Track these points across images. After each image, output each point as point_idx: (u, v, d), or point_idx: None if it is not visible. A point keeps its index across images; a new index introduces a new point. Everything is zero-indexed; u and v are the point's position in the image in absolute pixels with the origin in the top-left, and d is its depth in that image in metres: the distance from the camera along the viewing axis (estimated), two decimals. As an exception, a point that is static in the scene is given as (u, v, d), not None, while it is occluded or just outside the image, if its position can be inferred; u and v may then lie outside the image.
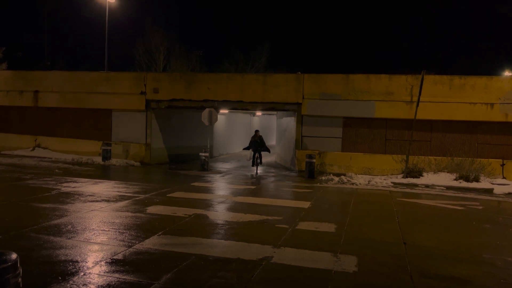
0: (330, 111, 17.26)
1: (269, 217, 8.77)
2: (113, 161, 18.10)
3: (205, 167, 16.98)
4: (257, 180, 15.37)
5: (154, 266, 5.61)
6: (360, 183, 14.60)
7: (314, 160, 15.88)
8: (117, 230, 7.28)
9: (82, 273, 5.22)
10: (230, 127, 27.86)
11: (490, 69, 60.00)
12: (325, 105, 17.28)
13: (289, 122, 19.99)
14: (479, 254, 6.89)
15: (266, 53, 45.17)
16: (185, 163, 20.08)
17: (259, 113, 29.69)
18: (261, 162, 17.25)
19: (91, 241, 6.62)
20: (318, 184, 14.28)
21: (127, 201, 9.87)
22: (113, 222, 7.84)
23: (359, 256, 6.38)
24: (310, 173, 15.76)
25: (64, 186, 11.57)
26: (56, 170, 14.97)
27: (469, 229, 8.88)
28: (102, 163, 17.85)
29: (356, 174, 16.19)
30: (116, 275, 5.23)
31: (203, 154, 17.02)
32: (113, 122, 19.59)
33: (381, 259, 6.34)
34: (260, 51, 45.07)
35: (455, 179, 14.87)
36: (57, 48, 63.84)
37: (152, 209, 9.10)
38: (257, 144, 17.01)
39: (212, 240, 7.08)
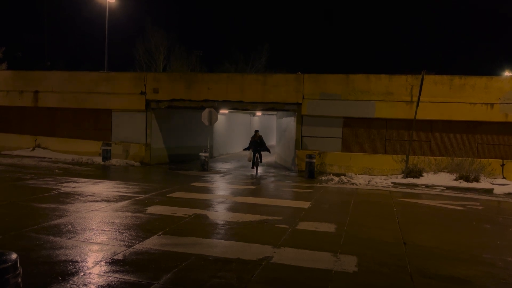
0: (330, 111, 17.26)
1: (269, 217, 8.77)
2: (113, 161, 18.10)
3: (205, 167, 16.98)
4: (257, 180, 15.37)
5: (154, 266, 5.61)
6: (360, 183, 14.60)
7: (314, 160, 15.88)
8: (117, 230, 7.28)
9: (82, 273, 5.22)
10: (230, 127, 27.86)
11: (490, 69, 60.02)
12: (325, 105, 17.28)
13: (289, 122, 19.99)
14: (479, 254, 6.89)
15: (266, 53, 45.21)
16: (185, 163, 20.08)
17: (259, 113, 29.69)
18: (261, 161, 17.25)
19: (91, 241, 6.62)
20: (318, 184, 14.28)
21: (127, 201, 9.87)
22: (113, 222, 7.84)
23: (359, 256, 6.38)
24: (310, 173, 15.76)
25: (64, 186, 11.57)
26: (56, 170, 14.97)
27: (469, 229, 8.88)
28: (102, 163, 17.85)
29: (356, 174, 16.18)
30: (116, 275, 5.23)
31: (203, 154, 17.02)
32: (113, 122, 19.59)
33: (381, 259, 6.34)
34: (260, 51, 45.10)
35: (455, 179, 14.87)
36: (57, 48, 63.88)
37: (152, 209, 9.10)
38: (257, 144, 17.01)
39: (212, 240, 7.08)
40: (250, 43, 71.14)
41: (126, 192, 11.12)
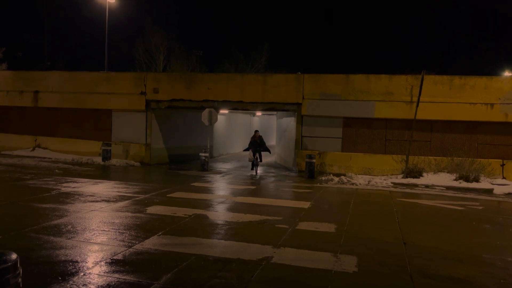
0: (330, 111, 17.26)
1: (269, 217, 8.77)
2: (113, 161, 18.10)
3: (205, 167, 16.99)
4: (257, 180, 15.37)
5: (154, 266, 5.61)
6: (360, 183, 14.60)
7: (314, 160, 15.88)
8: (117, 230, 7.28)
9: (82, 273, 5.22)
10: (230, 127, 27.86)
11: (490, 69, 60.01)
12: (325, 105, 17.28)
13: (289, 122, 19.99)
14: (479, 254, 6.89)
15: (266, 53, 45.21)
16: (185, 163, 20.08)
17: (259, 113, 29.70)
18: (260, 161, 17.23)
19: (91, 241, 6.62)
20: (318, 184, 14.28)
21: (127, 201, 9.87)
22: (113, 222, 7.84)
23: (359, 256, 6.39)
24: (310, 173, 15.76)
25: (64, 186, 11.57)
26: (56, 170, 14.97)
27: (469, 229, 8.88)
28: (102, 163, 17.85)
29: (356, 174, 16.18)
30: (116, 275, 5.23)
31: (203, 154, 17.03)
32: (113, 122, 19.59)
33: (381, 259, 6.35)
34: (260, 51, 45.10)
35: (455, 179, 14.87)
36: (57, 48, 63.87)
37: (152, 209, 9.10)
38: (257, 144, 17.00)
39: (212, 240, 7.08)
40: (250, 43, 71.16)
41: (126, 192, 11.12)
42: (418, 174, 15.40)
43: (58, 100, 19.99)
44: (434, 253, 6.79)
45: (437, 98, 16.32)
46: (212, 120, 17.15)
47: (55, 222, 7.66)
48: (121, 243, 6.56)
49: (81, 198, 10.00)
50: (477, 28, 70.48)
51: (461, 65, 57.58)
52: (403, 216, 9.75)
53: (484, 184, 14.63)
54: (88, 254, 6.01)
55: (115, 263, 5.65)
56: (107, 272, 5.31)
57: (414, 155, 16.21)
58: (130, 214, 8.59)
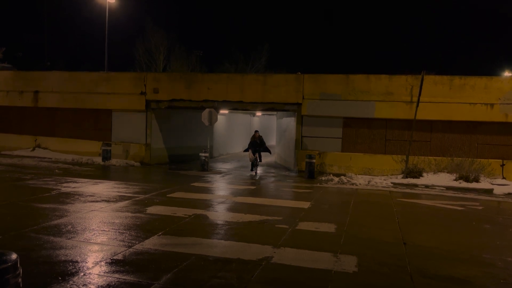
0: (330, 111, 17.26)
1: (269, 217, 8.77)
2: (113, 161, 18.10)
3: (205, 167, 16.99)
4: (257, 180, 15.37)
5: (154, 266, 5.61)
6: (360, 184, 14.61)
7: (314, 160, 15.88)
8: (117, 231, 7.28)
9: (82, 273, 5.22)
10: (230, 128, 27.86)
11: (490, 69, 60.05)
12: (325, 105, 17.28)
13: (289, 122, 19.99)
14: (479, 254, 6.89)
15: (266, 53, 45.23)
16: (185, 163, 20.08)
17: (259, 113, 29.69)
18: (260, 161, 17.21)
19: (91, 241, 6.62)
20: (318, 185, 14.28)
21: (127, 202, 9.87)
22: (113, 223, 7.84)
23: (359, 256, 6.39)
24: (310, 173, 15.76)
25: (64, 186, 11.57)
26: (56, 170, 14.97)
27: (469, 229, 8.88)
28: (102, 163, 17.85)
29: (356, 174, 16.19)
30: (116, 275, 5.23)
31: (203, 154, 17.03)
32: (113, 122, 19.59)
33: (381, 259, 6.35)
34: (260, 51, 45.12)
35: (455, 180, 14.87)
36: (57, 48, 63.90)
37: (152, 209, 9.10)
38: (257, 144, 16.99)
39: (212, 240, 7.08)
40: (250, 43, 71.21)
41: (126, 192, 11.12)
42: (418, 174, 15.40)
43: (58, 100, 19.99)
44: (434, 253, 6.79)
45: (437, 98, 16.32)
46: (212, 120, 17.16)
47: (55, 222, 7.66)
48: (121, 243, 6.56)
49: (81, 198, 10.00)
50: (477, 28, 70.55)
51: (461, 65, 57.65)
52: (403, 216, 9.75)
53: (484, 184, 14.63)
54: (88, 254, 6.01)
55: (115, 263, 5.65)
56: (107, 272, 5.31)
57: (414, 155, 16.21)
58: (130, 214, 8.59)
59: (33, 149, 20.06)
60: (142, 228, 7.48)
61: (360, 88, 16.95)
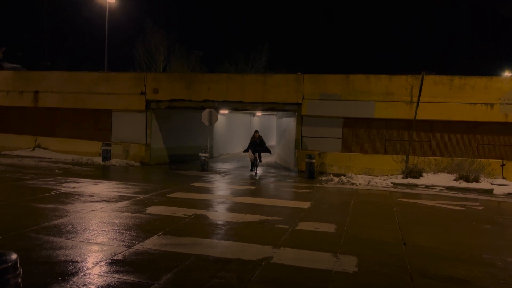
0: (330, 111, 17.26)
1: (269, 218, 8.77)
2: (113, 161, 18.10)
3: (205, 167, 16.99)
4: (257, 180, 15.37)
5: (154, 266, 5.61)
6: (360, 184, 14.61)
7: (314, 161, 15.89)
8: (117, 231, 7.28)
9: (82, 274, 5.22)
10: (230, 128, 27.86)
11: (490, 69, 60.06)
12: (325, 105, 17.28)
13: (289, 122, 19.99)
14: (479, 254, 6.89)
15: (266, 53, 45.23)
16: (185, 163, 20.08)
17: (259, 113, 29.70)
18: (260, 161, 17.21)
19: (91, 241, 6.62)
20: (318, 185, 14.28)
21: (127, 202, 9.87)
22: (113, 223, 7.84)
23: (359, 256, 6.39)
24: (310, 173, 15.76)
25: (64, 187, 11.57)
26: (56, 171, 14.97)
27: (469, 229, 8.88)
28: (102, 163, 17.85)
29: (356, 174, 16.19)
30: (116, 275, 5.23)
31: (203, 154, 17.03)
32: (113, 122, 19.59)
33: (381, 259, 6.35)
34: (260, 51, 45.12)
35: (455, 180, 14.87)
36: (57, 48, 63.91)
37: (152, 210, 9.10)
38: (256, 144, 16.99)
39: (212, 240, 7.08)
40: (250, 43, 71.24)
41: (126, 193, 11.12)
42: (418, 174, 15.40)
43: (58, 100, 19.99)
44: (434, 253, 6.79)
45: (437, 98, 16.32)
46: (212, 120, 17.16)
47: (55, 222, 7.66)
48: (121, 243, 6.56)
49: (81, 198, 10.00)
50: (477, 28, 70.55)
51: (461, 65, 57.66)
52: (403, 216, 9.75)
53: (484, 184, 14.63)
54: (88, 254, 6.01)
55: (115, 263, 5.65)
56: (107, 272, 5.31)
57: (414, 155, 16.21)
58: (130, 214, 8.59)
59: (33, 149, 20.06)
60: (142, 228, 7.48)
61: (360, 88, 16.95)
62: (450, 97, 16.26)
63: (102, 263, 5.63)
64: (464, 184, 14.48)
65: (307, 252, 6.50)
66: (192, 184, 13.29)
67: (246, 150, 17.48)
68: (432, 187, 14.50)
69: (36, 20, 67.43)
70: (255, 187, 13.73)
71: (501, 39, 66.58)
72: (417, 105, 15.82)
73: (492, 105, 16.00)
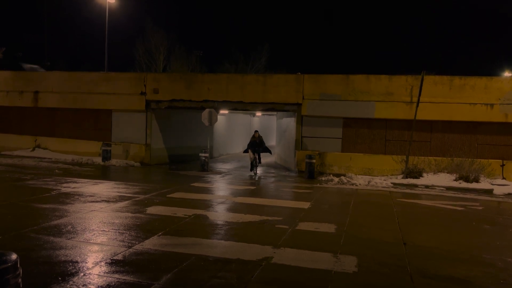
0: (330, 111, 17.26)
1: (269, 218, 8.77)
2: (113, 161, 18.10)
3: (205, 167, 16.99)
4: (257, 180, 15.37)
5: (154, 266, 5.61)
6: (360, 184, 14.61)
7: (314, 161, 15.89)
8: (117, 231, 7.28)
9: (82, 274, 5.22)
10: (230, 128, 27.86)
11: (490, 69, 60.05)
12: (325, 105, 17.28)
13: (289, 122, 19.99)
14: (479, 254, 6.89)
15: (266, 53, 45.22)
16: (185, 163, 20.08)
17: (259, 113, 29.69)
18: (260, 162, 17.19)
19: (91, 241, 6.62)
20: (318, 185, 14.28)
21: (127, 202, 9.87)
22: (113, 223, 7.84)
23: (359, 256, 6.39)
24: (310, 173, 15.76)
25: (64, 187, 11.57)
26: (56, 171, 14.97)
27: (469, 229, 8.88)
28: (102, 163, 17.85)
29: (356, 174, 16.19)
30: (116, 275, 5.23)
31: (203, 154, 17.03)
32: (113, 122, 19.59)
33: (381, 260, 6.35)
34: (260, 51, 45.11)
35: (455, 180, 14.87)
36: (57, 48, 63.92)
37: (152, 210, 9.10)
38: (256, 144, 16.98)
39: (212, 240, 7.08)
40: (250, 43, 71.21)
41: (126, 193, 11.12)
42: (418, 174, 15.40)
43: (58, 100, 19.99)
44: (434, 253, 6.79)
45: (437, 98, 16.32)
46: (212, 120, 17.16)
47: (55, 222, 7.66)
48: (121, 243, 6.56)
49: (81, 199, 10.00)
50: (477, 28, 70.55)
51: (461, 65, 57.64)
52: (403, 216, 9.75)
53: (484, 184, 14.63)
54: (88, 254, 6.01)
55: (115, 264, 5.65)
56: (107, 273, 5.31)
57: (414, 156, 16.21)
58: (130, 214, 8.59)
59: (33, 149, 20.06)
60: (142, 228, 7.48)
61: (360, 89, 16.95)
62: (450, 97, 16.27)
63: (102, 263, 5.63)
64: (464, 184, 14.48)
65: (307, 252, 6.50)
66: (192, 184, 13.29)
67: (245, 151, 17.44)
68: (432, 187, 14.50)
69: (36, 20, 67.47)
70: (255, 187, 13.73)
71: (501, 39, 66.62)
72: (417, 105, 15.82)
73: (492, 105, 16.00)
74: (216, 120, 17.36)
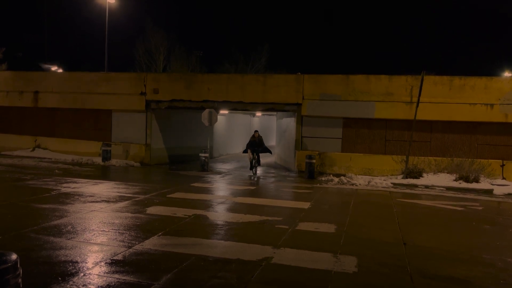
0: (330, 111, 17.26)
1: (269, 218, 8.77)
2: (113, 161, 18.10)
3: (205, 167, 16.98)
4: (257, 180, 15.37)
5: (154, 266, 5.61)
6: (360, 184, 14.61)
7: (314, 161, 15.89)
8: (117, 231, 7.28)
9: (82, 274, 5.22)
10: (230, 128, 27.86)
11: (490, 69, 60.09)
12: (325, 105, 17.28)
13: (289, 122, 19.99)
14: (479, 254, 6.89)
15: (266, 53, 45.21)
16: (185, 163, 20.08)
17: (259, 113, 29.70)
18: (259, 164, 17.09)
19: (91, 241, 6.62)
20: (318, 185, 14.28)
21: (127, 202, 9.87)
22: (113, 223, 7.84)
23: (359, 256, 6.38)
24: (310, 173, 15.76)
25: (64, 187, 11.57)
26: (56, 171, 14.96)
27: (469, 229, 8.88)
28: (102, 163, 17.85)
29: (356, 174, 16.19)
30: (116, 275, 5.23)
31: (203, 154, 17.03)
32: (113, 122, 19.59)
33: (381, 260, 6.35)
34: (260, 52, 45.11)
35: (455, 180, 14.87)
36: (57, 48, 63.92)
37: (152, 210, 9.10)
38: (256, 144, 16.96)
39: (212, 240, 7.08)
40: (250, 43, 71.13)
41: (126, 193, 11.12)
42: (418, 174, 15.40)
43: (58, 100, 19.99)
44: (434, 254, 6.79)
45: (437, 98, 16.32)
46: (212, 120, 17.15)
47: (55, 222, 7.66)
48: (121, 243, 6.56)
49: (81, 199, 10.00)
50: (477, 28, 70.56)
51: (461, 65, 57.64)
52: (403, 216, 9.75)
53: (484, 184, 14.63)
54: (88, 254, 6.01)
55: (115, 264, 5.65)
56: (107, 273, 5.31)
57: (414, 156, 16.21)
58: (130, 214, 8.59)
59: (33, 150, 20.06)
60: (142, 229, 7.48)
61: (360, 89, 16.96)
62: (450, 98, 16.27)
63: (102, 263, 5.63)
64: (464, 185, 14.48)
65: (307, 252, 6.50)
66: (192, 185, 13.28)
67: (245, 151, 17.39)
68: (432, 187, 14.50)
69: (36, 20, 67.49)
70: (255, 187, 13.73)
71: (501, 39, 66.62)
72: (417, 105, 15.82)
73: (492, 105, 16.00)
74: (216, 120, 17.36)
